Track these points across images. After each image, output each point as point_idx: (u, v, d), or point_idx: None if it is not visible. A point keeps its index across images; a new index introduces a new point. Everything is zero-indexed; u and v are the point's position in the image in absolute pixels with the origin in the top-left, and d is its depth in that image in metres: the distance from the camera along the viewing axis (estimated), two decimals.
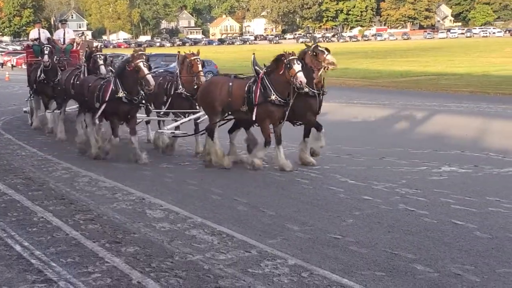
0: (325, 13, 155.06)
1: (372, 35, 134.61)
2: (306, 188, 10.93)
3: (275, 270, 7.00)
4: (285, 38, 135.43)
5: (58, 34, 19.99)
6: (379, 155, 13.83)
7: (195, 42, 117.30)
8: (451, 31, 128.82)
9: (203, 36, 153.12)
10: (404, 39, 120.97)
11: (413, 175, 10.77)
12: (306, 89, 12.25)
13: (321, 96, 12.93)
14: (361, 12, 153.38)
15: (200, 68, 14.16)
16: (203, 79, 14.07)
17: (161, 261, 7.31)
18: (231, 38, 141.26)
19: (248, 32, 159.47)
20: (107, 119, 13.93)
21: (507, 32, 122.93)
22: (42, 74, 17.81)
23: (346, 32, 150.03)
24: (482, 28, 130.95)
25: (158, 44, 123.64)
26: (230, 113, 12.90)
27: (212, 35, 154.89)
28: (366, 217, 9.11)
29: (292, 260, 7.31)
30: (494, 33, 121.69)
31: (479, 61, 52.04)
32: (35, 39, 19.61)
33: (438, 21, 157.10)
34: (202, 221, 8.98)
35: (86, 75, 15.57)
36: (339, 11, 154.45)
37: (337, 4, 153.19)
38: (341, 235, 8.29)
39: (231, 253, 7.60)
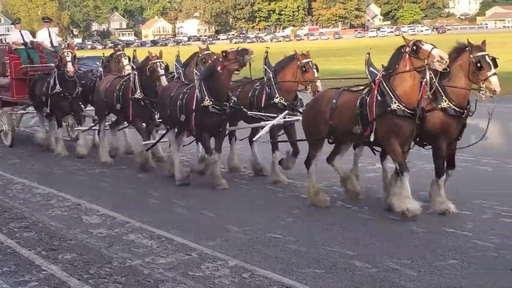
0: (258, 13, 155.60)
1: (305, 35, 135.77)
2: (245, 188, 10.95)
3: (216, 272, 6.99)
4: (219, 39, 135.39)
5: (42, 35, 16.86)
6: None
7: (128, 44, 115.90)
8: (381, 29, 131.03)
9: (136, 37, 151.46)
10: (336, 38, 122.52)
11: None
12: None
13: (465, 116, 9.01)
14: (293, 12, 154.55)
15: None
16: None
17: (100, 267, 7.21)
18: (164, 39, 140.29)
19: (181, 33, 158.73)
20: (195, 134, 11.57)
21: (435, 29, 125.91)
22: (58, 86, 14.45)
23: (279, 32, 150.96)
24: (410, 27, 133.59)
25: (89, 46, 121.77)
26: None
27: (145, 37, 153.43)
28: (305, 216, 9.19)
29: (233, 261, 7.31)
30: (422, 31, 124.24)
31: None
32: (23, 43, 16.18)
33: (368, 20, 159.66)
34: (140, 225, 8.89)
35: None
36: (271, 11, 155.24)
37: (269, 4, 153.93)
38: (281, 234, 8.33)
39: (171, 256, 7.55)
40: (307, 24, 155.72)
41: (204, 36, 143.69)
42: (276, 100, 11.14)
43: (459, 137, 9.14)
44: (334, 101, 9.28)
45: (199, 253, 7.65)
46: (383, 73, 8.92)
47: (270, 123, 10.98)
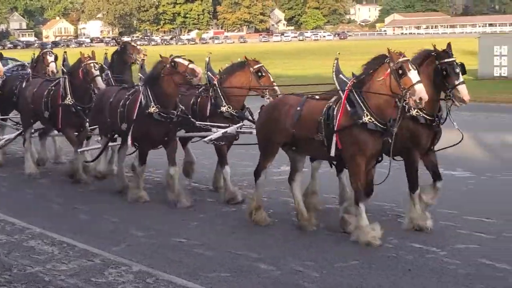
0: (162, 16, 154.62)
1: (210, 38, 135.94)
2: (150, 192, 10.82)
3: (120, 278, 6.89)
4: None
5: None
6: None
7: (27, 45, 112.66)
8: (285, 34, 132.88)
9: (36, 38, 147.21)
10: (241, 42, 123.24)
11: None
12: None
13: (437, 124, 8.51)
14: (198, 15, 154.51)
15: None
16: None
17: None
18: (65, 40, 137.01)
19: (84, 34, 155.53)
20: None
21: (336, 35, 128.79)
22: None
23: (184, 35, 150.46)
24: (313, 32, 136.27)
25: None
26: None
27: (46, 38, 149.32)
28: (211, 220, 9.19)
29: (137, 267, 7.23)
30: (324, 36, 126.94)
31: (313, 64, 54.14)
32: None
33: (273, 24, 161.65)
34: (41, 231, 8.65)
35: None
36: (176, 14, 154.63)
37: (174, 7, 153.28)
38: (186, 238, 8.31)
39: (73, 263, 7.38)
40: (212, 28, 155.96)
41: (108, 37, 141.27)
42: (224, 109, 10.27)
43: (431, 147, 8.55)
44: (298, 108, 8.47)
45: (102, 259, 7.51)
46: (354, 81, 8.13)
47: (223, 130, 10.12)
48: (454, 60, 8.31)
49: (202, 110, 10.44)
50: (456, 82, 8.18)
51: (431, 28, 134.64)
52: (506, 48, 32.88)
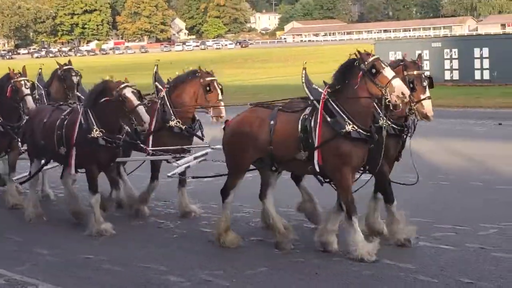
0: (60, 27, 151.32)
1: (110, 49, 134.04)
2: (55, 209, 10.61)
3: None
4: (19, 53, 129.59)
5: None
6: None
7: None
8: (187, 43, 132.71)
9: None
10: (142, 52, 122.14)
11: (160, 187, 10.92)
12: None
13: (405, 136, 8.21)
14: (97, 25, 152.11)
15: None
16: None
17: None
18: None
19: None
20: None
21: (238, 43, 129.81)
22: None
23: (83, 46, 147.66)
24: (215, 41, 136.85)
25: None
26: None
27: None
28: (119, 234, 9.09)
29: (44, 286, 7.11)
30: (226, 45, 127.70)
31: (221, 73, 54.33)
32: None
33: (174, 34, 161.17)
34: None
35: None
36: (74, 25, 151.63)
37: (72, 18, 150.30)
38: (93, 254, 8.20)
39: None
40: (112, 38, 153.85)
41: (3, 50, 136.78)
42: (172, 123, 9.44)
43: (398, 158, 8.27)
44: (271, 122, 7.90)
45: (7, 279, 7.35)
46: (328, 90, 7.68)
47: (186, 164, 9.31)
48: (423, 73, 7.92)
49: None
50: (422, 97, 7.75)
51: (329, 35, 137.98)
52: (400, 54, 34.03)
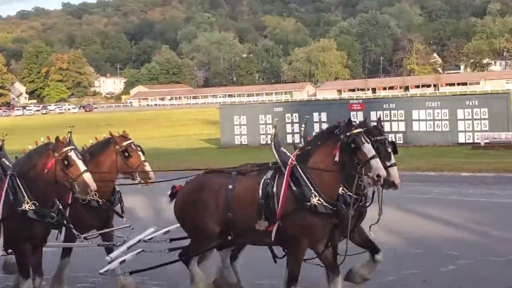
0: None
1: None
2: None
3: None
4: None
5: None
6: None
7: None
8: (27, 108, 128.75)
9: None
10: None
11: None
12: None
13: (362, 204, 7.56)
14: None
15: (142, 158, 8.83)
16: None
17: None
18: None
19: None
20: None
21: (82, 108, 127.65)
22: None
23: None
24: (57, 105, 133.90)
25: None
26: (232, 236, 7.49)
27: None
28: None
29: None
30: (69, 109, 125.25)
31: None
32: None
33: (13, 98, 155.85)
34: None
35: None
36: None
37: None
38: None
39: None
40: None
41: None
42: (89, 197, 7.96)
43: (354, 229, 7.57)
44: (230, 187, 7.30)
45: None
46: (298, 153, 7.23)
47: (121, 258, 7.98)
48: (386, 138, 7.46)
49: (60, 199, 7.82)
50: (387, 164, 7.23)
51: (176, 99, 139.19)
52: (245, 118, 35.11)
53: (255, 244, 7.66)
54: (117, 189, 8.85)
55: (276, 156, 7.37)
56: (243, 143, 35.03)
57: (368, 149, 6.78)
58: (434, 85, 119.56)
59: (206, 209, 7.35)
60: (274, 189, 7.05)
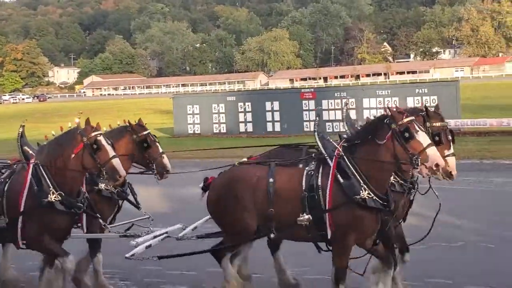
0: None
1: None
2: None
3: None
4: None
5: None
6: None
7: None
8: None
9: None
10: None
11: None
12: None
13: (412, 194, 7.42)
14: None
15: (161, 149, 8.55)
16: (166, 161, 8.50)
17: None
18: None
19: None
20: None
21: (35, 97, 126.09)
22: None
23: None
24: (12, 95, 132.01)
25: None
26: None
27: None
28: None
29: None
30: (23, 99, 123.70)
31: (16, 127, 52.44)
32: None
33: None
34: None
35: None
36: None
37: None
38: None
39: None
40: None
41: None
42: (102, 186, 8.03)
43: (405, 218, 7.51)
44: (271, 180, 6.88)
45: None
46: (344, 144, 6.77)
47: (147, 243, 7.71)
48: (447, 125, 7.12)
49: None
50: (446, 153, 6.93)
51: (129, 89, 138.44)
52: (198, 107, 35.76)
53: (296, 240, 7.21)
54: (127, 181, 8.40)
55: (321, 146, 6.97)
56: (196, 132, 35.62)
57: (424, 137, 6.38)
58: (385, 74, 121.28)
59: (243, 203, 6.96)
60: (319, 182, 6.66)
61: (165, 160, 8.35)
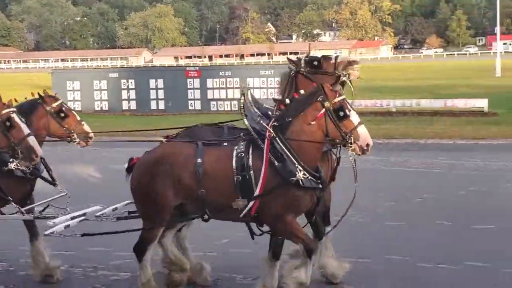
0: None
1: None
2: None
3: None
4: None
5: None
6: None
7: None
8: None
9: None
10: None
11: None
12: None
13: (336, 153, 7.17)
14: None
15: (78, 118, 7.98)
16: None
17: None
18: None
19: None
20: None
21: None
22: None
23: None
24: None
25: None
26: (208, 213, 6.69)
27: None
28: None
29: None
30: None
31: None
32: None
33: None
34: None
35: None
36: None
37: None
38: None
39: None
40: None
41: None
42: (12, 165, 7.25)
43: (334, 177, 7.16)
44: (199, 160, 6.46)
45: None
46: (275, 124, 6.46)
47: (67, 223, 7.21)
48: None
49: None
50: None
51: (5, 63, 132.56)
52: (78, 83, 34.45)
53: (233, 220, 6.77)
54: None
55: (250, 127, 6.64)
56: (76, 109, 34.23)
57: (355, 116, 6.27)
58: (268, 54, 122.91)
59: (164, 184, 6.54)
60: (250, 163, 6.37)
61: (86, 126, 7.88)
